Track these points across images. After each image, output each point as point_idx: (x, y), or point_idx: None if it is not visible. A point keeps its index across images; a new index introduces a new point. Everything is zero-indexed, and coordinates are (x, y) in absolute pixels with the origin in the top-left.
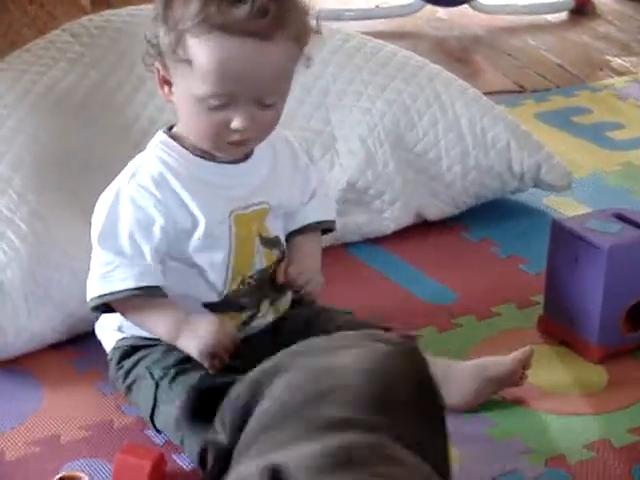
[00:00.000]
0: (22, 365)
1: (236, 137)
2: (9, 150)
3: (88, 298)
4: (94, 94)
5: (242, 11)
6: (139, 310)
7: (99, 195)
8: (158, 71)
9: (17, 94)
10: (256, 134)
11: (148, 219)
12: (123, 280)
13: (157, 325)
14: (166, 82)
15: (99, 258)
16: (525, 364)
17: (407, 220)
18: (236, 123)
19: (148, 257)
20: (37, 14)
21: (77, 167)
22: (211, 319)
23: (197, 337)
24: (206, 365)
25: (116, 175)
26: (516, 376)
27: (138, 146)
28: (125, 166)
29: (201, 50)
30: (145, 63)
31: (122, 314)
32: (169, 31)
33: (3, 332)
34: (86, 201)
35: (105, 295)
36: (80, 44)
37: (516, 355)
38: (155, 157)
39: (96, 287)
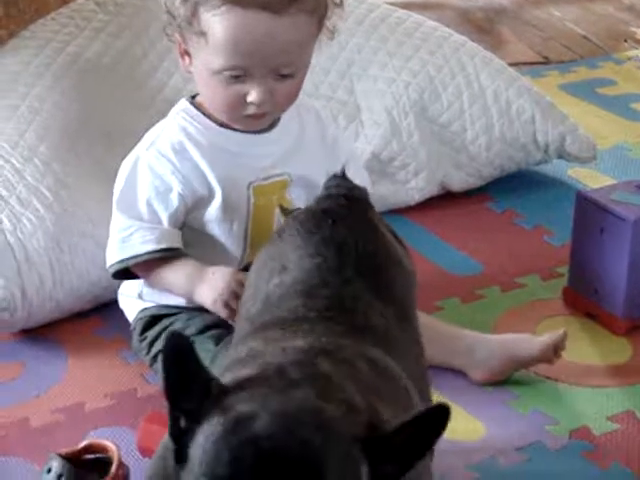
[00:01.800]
0: (47, 334)
1: (253, 110)
2: (35, 118)
3: (108, 264)
4: (119, 63)
5: None
6: (158, 271)
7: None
8: (179, 43)
9: (42, 62)
10: (274, 106)
11: (166, 186)
12: (143, 243)
13: (174, 282)
14: (186, 53)
15: (118, 223)
16: (558, 346)
17: (432, 191)
18: (253, 96)
19: (165, 223)
20: None
21: (102, 136)
22: (224, 270)
23: (211, 288)
24: (221, 314)
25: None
26: (545, 357)
27: (163, 115)
28: None
29: (215, 23)
30: (166, 34)
31: (143, 277)
32: (184, 2)
33: (29, 301)
34: (111, 170)
35: (126, 259)
36: (105, 12)
37: (548, 339)
38: (176, 125)
39: (116, 252)
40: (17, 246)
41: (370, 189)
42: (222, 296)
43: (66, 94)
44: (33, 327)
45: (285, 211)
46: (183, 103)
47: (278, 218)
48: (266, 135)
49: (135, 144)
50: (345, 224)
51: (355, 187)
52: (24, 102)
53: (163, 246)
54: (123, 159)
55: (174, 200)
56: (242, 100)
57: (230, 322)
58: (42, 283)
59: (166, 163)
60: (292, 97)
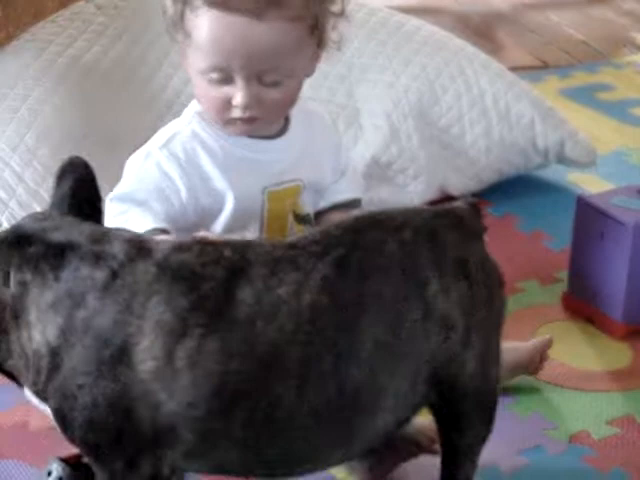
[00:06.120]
0: None
1: (238, 113)
2: (35, 121)
3: None
4: (119, 66)
5: None
6: None
7: (124, 167)
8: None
9: (42, 65)
10: (262, 113)
11: (171, 188)
12: (143, 220)
13: None
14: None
15: (113, 210)
16: (543, 353)
17: (431, 195)
18: (236, 99)
19: (162, 218)
20: None
21: (102, 138)
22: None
23: None
24: None
25: (142, 147)
26: (533, 365)
27: (163, 118)
28: (150, 137)
29: (197, 24)
30: (169, 34)
31: None
32: (174, 4)
33: None
34: (111, 173)
35: None
36: (105, 15)
37: (535, 344)
38: (190, 131)
39: None
40: None
41: (361, 195)
42: None
43: (66, 97)
44: None
45: (298, 217)
46: (196, 105)
47: (291, 223)
48: (277, 141)
49: (137, 146)
50: None
51: None
52: (24, 104)
53: (161, 226)
54: (124, 161)
55: (175, 204)
56: (227, 103)
57: None
58: None
59: (176, 166)
60: (282, 106)
